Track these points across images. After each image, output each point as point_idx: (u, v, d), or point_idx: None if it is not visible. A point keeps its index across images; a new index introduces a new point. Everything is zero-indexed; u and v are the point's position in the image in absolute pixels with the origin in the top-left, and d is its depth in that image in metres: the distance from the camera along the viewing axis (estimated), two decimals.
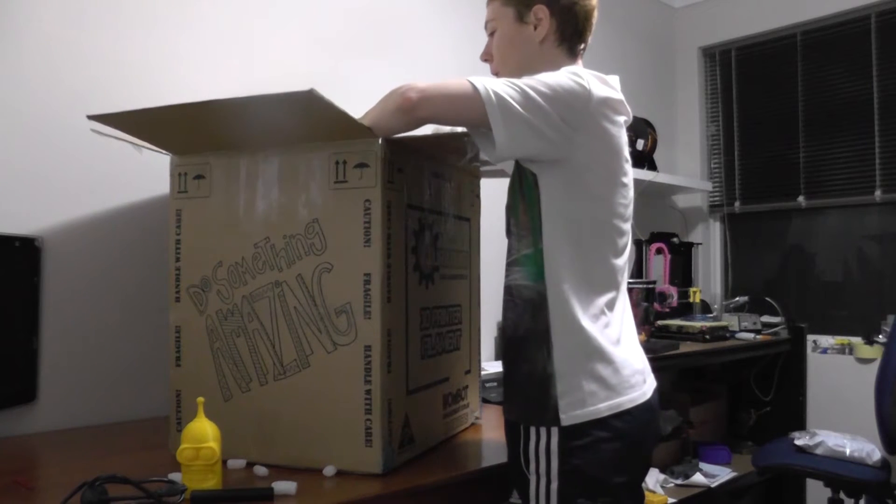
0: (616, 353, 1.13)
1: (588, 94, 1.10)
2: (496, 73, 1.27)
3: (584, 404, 1.09)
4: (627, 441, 1.12)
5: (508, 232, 1.21)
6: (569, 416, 1.09)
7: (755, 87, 3.40)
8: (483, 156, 1.25)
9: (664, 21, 3.50)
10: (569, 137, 1.10)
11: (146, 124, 1.29)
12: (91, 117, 1.24)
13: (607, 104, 1.13)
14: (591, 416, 1.09)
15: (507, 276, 1.19)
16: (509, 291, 1.18)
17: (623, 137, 1.17)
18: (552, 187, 1.13)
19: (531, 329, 1.14)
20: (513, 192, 1.21)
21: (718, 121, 3.51)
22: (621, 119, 1.17)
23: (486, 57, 1.30)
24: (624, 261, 1.20)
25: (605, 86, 1.14)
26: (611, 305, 1.17)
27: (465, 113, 1.11)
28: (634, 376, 1.15)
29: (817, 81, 3.18)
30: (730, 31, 3.41)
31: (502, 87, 1.08)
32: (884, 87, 2.97)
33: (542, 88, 1.08)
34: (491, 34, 1.28)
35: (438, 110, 1.12)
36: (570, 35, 1.24)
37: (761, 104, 3.38)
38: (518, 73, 1.18)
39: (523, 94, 1.07)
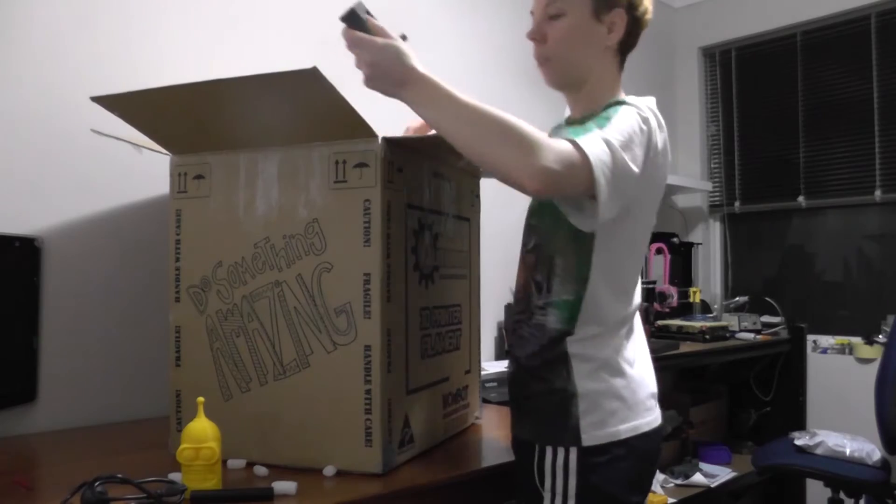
0: (634, 374, 1.14)
1: (656, 147, 1.07)
2: (545, 58, 1.18)
3: (605, 424, 1.09)
4: (643, 461, 1.13)
5: (547, 270, 1.15)
6: (590, 436, 1.08)
7: (755, 87, 3.40)
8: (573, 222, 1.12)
9: (664, 21, 3.50)
10: (640, 197, 1.09)
11: (147, 108, 1.28)
12: (94, 99, 1.23)
13: (665, 153, 1.11)
14: (612, 438, 1.09)
15: (536, 313, 1.15)
16: (538, 328, 1.15)
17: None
18: (607, 240, 1.10)
19: (549, 358, 1.13)
20: (557, 236, 1.14)
21: (718, 121, 3.51)
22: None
23: (537, 37, 1.17)
24: (639, 282, 1.21)
25: (663, 130, 1.10)
26: (630, 329, 1.18)
27: (574, 188, 1.01)
28: (650, 399, 1.16)
29: (817, 81, 3.18)
30: (730, 31, 3.41)
31: (607, 155, 0.99)
32: (884, 87, 2.98)
33: (636, 150, 1.03)
34: (554, 16, 1.16)
35: (560, 192, 1.05)
36: (628, 48, 1.20)
37: (761, 104, 3.38)
38: (573, 70, 1.17)
39: (620, 160, 1.00)
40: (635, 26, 1.18)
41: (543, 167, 0.94)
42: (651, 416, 1.15)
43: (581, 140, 0.98)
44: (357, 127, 1.17)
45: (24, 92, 1.54)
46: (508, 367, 1.26)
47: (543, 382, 1.14)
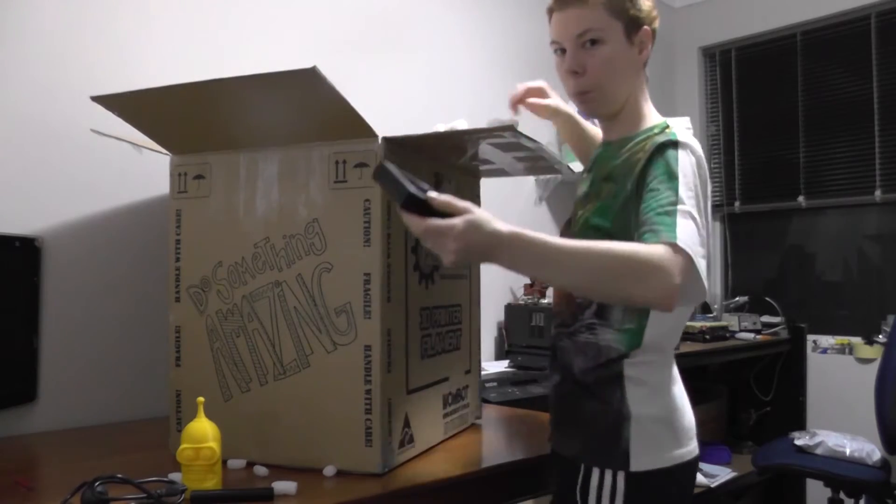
0: (680, 402, 1.15)
1: (706, 184, 1.08)
2: (585, 91, 1.14)
3: (653, 450, 1.08)
4: (684, 490, 1.13)
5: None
6: (639, 461, 1.07)
7: (755, 87, 3.40)
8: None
9: (664, 21, 3.47)
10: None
11: (147, 108, 1.28)
12: (94, 98, 1.23)
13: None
14: (659, 465, 1.08)
15: (584, 331, 1.14)
16: (590, 346, 1.13)
17: None
18: None
19: (604, 376, 1.12)
20: None
21: (718, 121, 3.51)
22: None
23: (577, 69, 1.13)
24: None
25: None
26: (673, 353, 1.18)
27: (686, 283, 0.97)
28: (692, 428, 1.15)
29: (817, 81, 3.18)
30: (730, 31, 3.41)
31: (695, 235, 0.98)
32: (884, 87, 2.98)
33: (701, 202, 1.03)
34: (588, 43, 1.12)
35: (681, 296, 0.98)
36: (647, 62, 1.20)
37: (761, 104, 3.38)
38: (615, 98, 1.15)
39: (700, 230, 0.99)
40: (654, 39, 1.18)
41: (665, 289, 0.92)
42: (692, 445, 1.14)
43: (679, 237, 0.95)
44: (357, 127, 1.17)
45: (24, 92, 1.54)
46: (551, 376, 1.22)
47: (597, 401, 1.12)
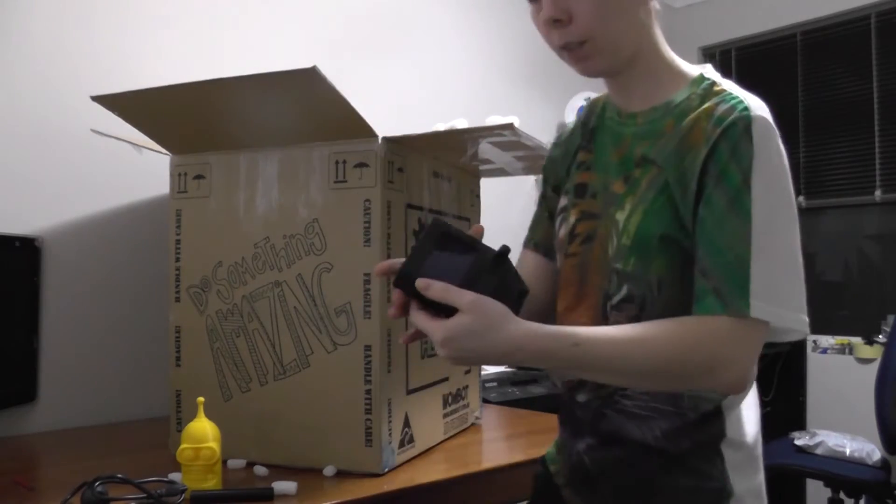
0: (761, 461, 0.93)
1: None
2: (578, 42, 0.84)
3: None
4: None
5: None
6: None
7: (755, 87, 3.36)
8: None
9: (664, 21, 3.47)
10: None
11: (147, 108, 1.28)
12: (94, 98, 1.23)
13: None
14: None
15: None
16: (672, 402, 0.85)
17: None
18: None
19: (699, 440, 0.85)
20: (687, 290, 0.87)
21: None
22: None
23: (562, 16, 0.83)
24: None
25: None
26: None
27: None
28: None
29: (817, 81, 3.18)
30: (730, 31, 3.41)
31: (776, 280, 0.77)
32: (884, 87, 2.97)
33: (795, 209, 0.81)
34: None
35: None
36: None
37: None
38: (620, 47, 0.86)
39: (784, 259, 0.79)
40: None
41: (736, 382, 0.78)
42: None
43: (753, 306, 0.75)
44: (357, 127, 1.17)
45: (24, 92, 1.54)
46: (577, 437, 0.94)
47: (692, 476, 0.85)
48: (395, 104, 2.21)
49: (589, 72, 0.88)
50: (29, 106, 1.55)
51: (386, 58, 2.25)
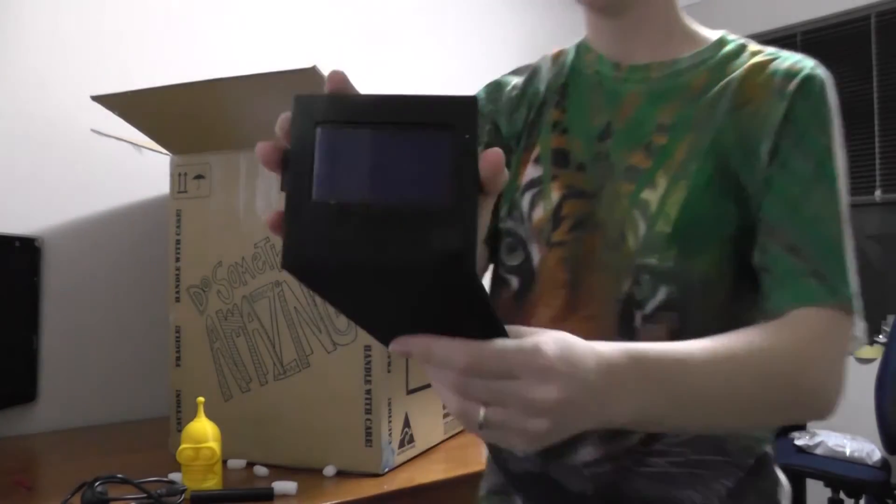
0: None
1: None
2: None
3: None
4: None
5: None
6: None
7: None
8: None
9: None
10: None
11: (147, 108, 1.28)
12: (94, 98, 1.24)
13: None
14: None
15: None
16: (717, 448, 0.67)
17: None
18: None
19: (764, 491, 0.72)
20: (745, 295, 0.71)
21: None
22: None
23: None
24: None
25: None
26: None
27: None
28: None
29: None
30: (730, 31, 3.41)
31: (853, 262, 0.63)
32: (884, 87, 2.97)
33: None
34: None
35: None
36: None
37: None
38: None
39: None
40: None
41: (832, 406, 0.59)
42: None
43: (852, 289, 0.61)
44: None
45: (24, 92, 1.54)
46: None
47: None
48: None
49: (594, 4, 0.74)
50: (29, 106, 1.55)
51: (386, 56, 2.25)
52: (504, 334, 0.43)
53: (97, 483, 0.98)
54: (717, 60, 0.72)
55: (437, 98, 0.36)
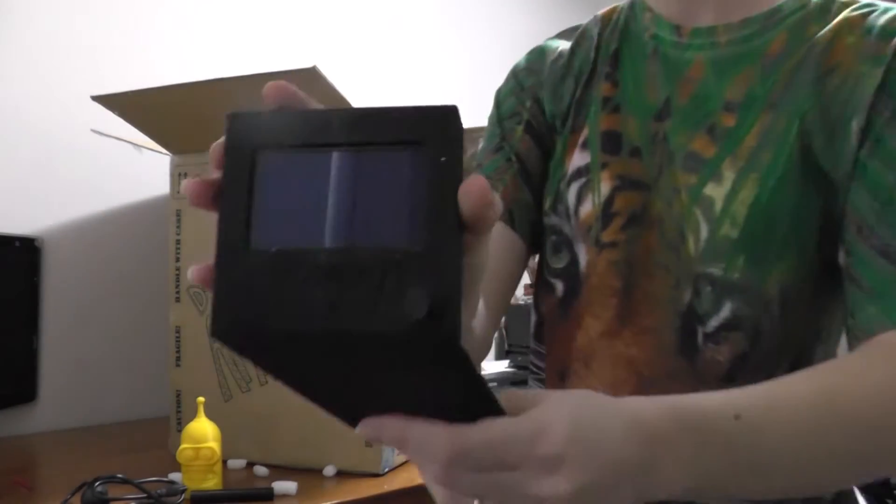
0: None
1: None
2: None
3: None
4: None
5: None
6: None
7: None
8: None
9: None
10: None
11: (147, 108, 1.28)
12: (94, 98, 1.24)
13: None
14: None
15: None
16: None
17: None
18: None
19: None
20: (822, 309, 0.60)
21: None
22: None
23: None
24: None
25: None
26: None
27: None
28: None
29: None
30: None
31: None
32: None
33: None
34: None
35: None
36: None
37: None
38: None
39: None
40: None
41: None
42: None
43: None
44: None
45: (24, 92, 1.54)
46: None
47: None
48: (394, 103, 2.20)
49: None
50: (29, 106, 1.55)
51: (386, 56, 2.25)
52: (498, 410, 0.36)
53: (97, 483, 0.98)
54: (799, 17, 0.59)
55: (406, 110, 0.30)
